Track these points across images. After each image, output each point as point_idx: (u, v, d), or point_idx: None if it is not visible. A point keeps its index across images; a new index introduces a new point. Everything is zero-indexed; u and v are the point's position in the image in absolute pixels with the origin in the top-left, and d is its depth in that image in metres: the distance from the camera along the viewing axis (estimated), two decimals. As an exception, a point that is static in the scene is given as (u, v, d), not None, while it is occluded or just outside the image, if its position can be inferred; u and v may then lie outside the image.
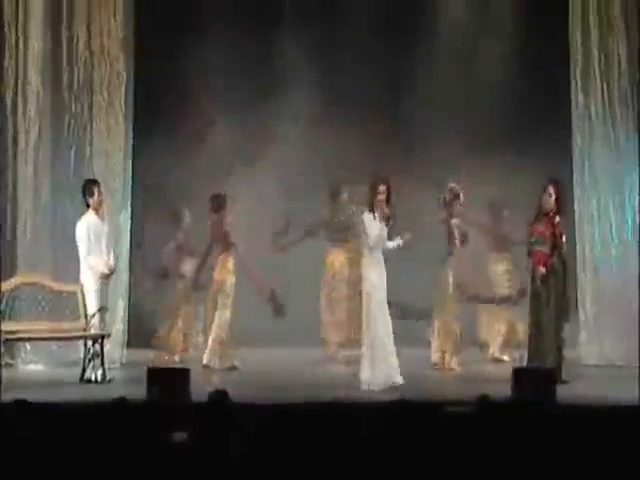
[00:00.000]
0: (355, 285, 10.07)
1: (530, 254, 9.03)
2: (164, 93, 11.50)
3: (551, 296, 8.82)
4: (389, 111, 11.88)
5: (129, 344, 10.47)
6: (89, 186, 9.50)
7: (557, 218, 8.92)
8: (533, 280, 8.97)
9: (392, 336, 8.61)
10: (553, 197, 8.94)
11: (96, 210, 9.44)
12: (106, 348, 9.30)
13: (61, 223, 10.17)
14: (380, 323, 8.55)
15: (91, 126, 10.35)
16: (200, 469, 4.63)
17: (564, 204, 9.11)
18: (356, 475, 4.62)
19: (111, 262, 9.49)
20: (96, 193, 9.43)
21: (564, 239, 8.98)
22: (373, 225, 8.64)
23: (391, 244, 8.77)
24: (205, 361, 9.89)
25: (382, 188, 8.67)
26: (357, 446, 4.79)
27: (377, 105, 11.85)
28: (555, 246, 8.88)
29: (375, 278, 8.60)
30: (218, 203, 10.08)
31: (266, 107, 11.60)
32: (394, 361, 8.58)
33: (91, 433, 4.86)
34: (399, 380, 8.51)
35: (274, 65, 11.74)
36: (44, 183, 10.25)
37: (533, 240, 8.96)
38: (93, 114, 10.35)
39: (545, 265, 8.83)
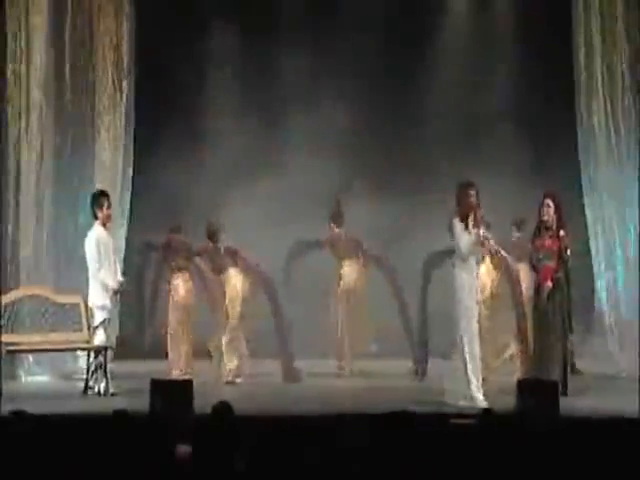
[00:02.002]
0: (363, 297, 10.31)
1: (536, 269, 9.01)
2: (166, 105, 11.55)
3: (557, 310, 8.81)
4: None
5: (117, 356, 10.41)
6: (99, 198, 9.26)
7: (561, 232, 8.91)
8: (538, 294, 8.95)
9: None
10: (552, 209, 8.91)
11: (104, 224, 9.21)
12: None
13: (62, 236, 10.13)
14: (471, 334, 8.25)
15: (93, 139, 10.36)
16: None
17: (565, 216, 9.08)
18: None
19: (120, 277, 9.38)
20: (105, 205, 9.20)
21: (569, 253, 8.98)
22: (464, 233, 8.28)
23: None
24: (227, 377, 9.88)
25: (472, 191, 8.33)
26: (360, 458, 4.77)
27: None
28: (561, 261, 8.87)
29: (466, 289, 8.26)
30: (213, 231, 10.05)
31: (270, 124, 11.70)
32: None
33: (92, 445, 4.84)
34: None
35: (277, 80, 11.84)
36: (46, 196, 10.22)
37: (541, 256, 8.93)
38: (95, 126, 10.35)
39: (552, 280, 8.83)
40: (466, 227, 8.30)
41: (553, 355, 8.73)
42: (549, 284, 8.84)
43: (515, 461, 4.81)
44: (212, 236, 10.06)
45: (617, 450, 4.91)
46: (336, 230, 10.67)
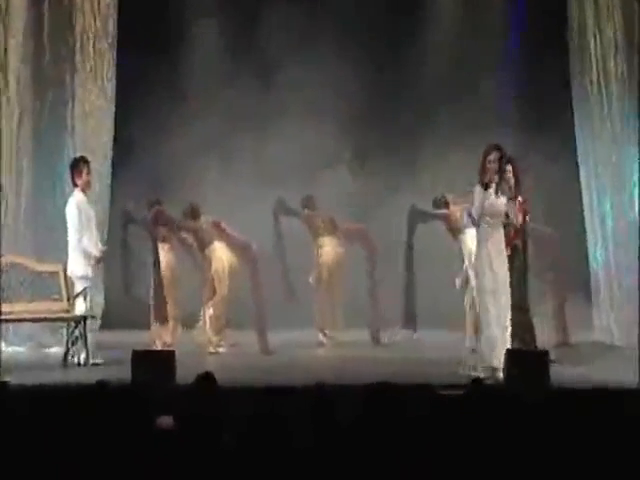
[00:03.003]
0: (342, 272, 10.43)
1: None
2: (149, 70, 11.46)
3: (514, 278, 8.61)
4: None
5: (104, 326, 10.31)
6: (77, 164, 9.17)
7: (520, 198, 8.73)
8: None
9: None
10: (511, 174, 8.67)
11: (84, 190, 9.12)
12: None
13: (42, 205, 10.03)
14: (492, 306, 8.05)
15: (73, 107, 10.17)
16: (186, 454, 4.49)
17: (522, 184, 8.82)
18: (345, 459, 4.47)
19: (102, 245, 9.24)
20: (84, 171, 9.10)
21: (528, 219, 8.79)
22: (479, 196, 8.06)
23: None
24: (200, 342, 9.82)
25: (491, 157, 8.08)
26: (346, 430, 4.66)
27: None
28: (519, 227, 8.68)
29: (484, 258, 8.09)
30: (193, 212, 9.99)
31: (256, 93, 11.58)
32: None
33: (71, 417, 4.73)
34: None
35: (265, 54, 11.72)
36: (25, 166, 10.08)
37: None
38: (75, 95, 10.16)
39: (509, 246, 8.64)
40: (487, 189, 8.09)
41: (521, 322, 8.51)
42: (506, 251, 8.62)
43: (504, 432, 4.68)
44: (193, 216, 10.02)
45: (606, 419, 4.78)
46: (310, 212, 10.72)
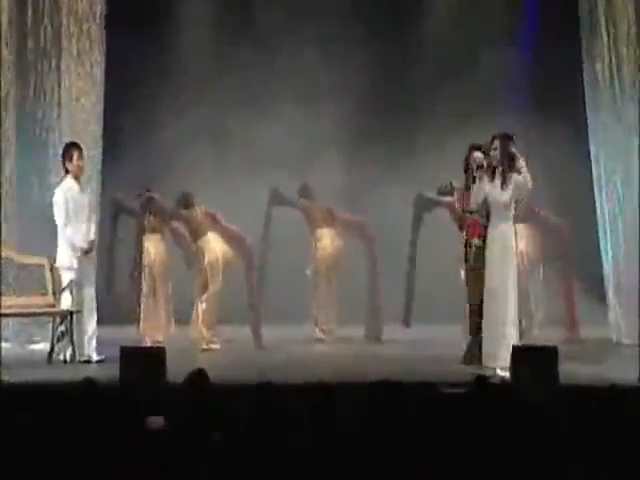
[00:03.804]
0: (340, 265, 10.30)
1: (463, 223, 8.55)
2: (139, 54, 11.34)
3: (469, 276, 8.39)
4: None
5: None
6: (68, 149, 8.96)
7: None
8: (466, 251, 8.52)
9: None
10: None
11: (76, 177, 8.89)
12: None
13: (26, 196, 9.83)
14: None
15: (59, 89, 9.96)
16: (177, 456, 4.34)
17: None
18: (344, 460, 4.35)
19: (92, 236, 8.97)
20: (75, 156, 8.88)
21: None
22: (479, 185, 7.92)
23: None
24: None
25: (493, 145, 7.89)
26: (343, 428, 4.56)
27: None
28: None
29: (486, 251, 7.92)
30: (187, 200, 9.75)
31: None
32: None
33: (57, 417, 4.56)
34: None
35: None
36: (8, 151, 9.87)
37: (469, 209, 8.45)
38: (61, 78, 9.96)
39: (480, 236, 8.38)
40: (492, 180, 7.91)
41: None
42: (477, 241, 8.40)
43: (509, 433, 4.55)
44: (186, 205, 9.78)
45: (613, 418, 4.70)
46: (307, 203, 10.58)
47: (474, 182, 8.24)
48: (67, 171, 8.91)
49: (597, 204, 10.18)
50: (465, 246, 8.53)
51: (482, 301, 8.00)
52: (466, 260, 8.53)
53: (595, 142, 10.15)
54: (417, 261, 9.65)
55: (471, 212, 8.28)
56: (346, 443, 4.42)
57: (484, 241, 8.15)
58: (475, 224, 8.34)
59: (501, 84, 11.68)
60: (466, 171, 8.55)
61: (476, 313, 8.18)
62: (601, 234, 10.18)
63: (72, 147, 8.99)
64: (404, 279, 9.75)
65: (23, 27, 10.00)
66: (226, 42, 11.78)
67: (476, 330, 8.14)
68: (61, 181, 9.00)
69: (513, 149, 7.93)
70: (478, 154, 8.38)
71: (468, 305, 8.49)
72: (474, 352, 8.10)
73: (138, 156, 11.28)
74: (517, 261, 8.25)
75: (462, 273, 8.84)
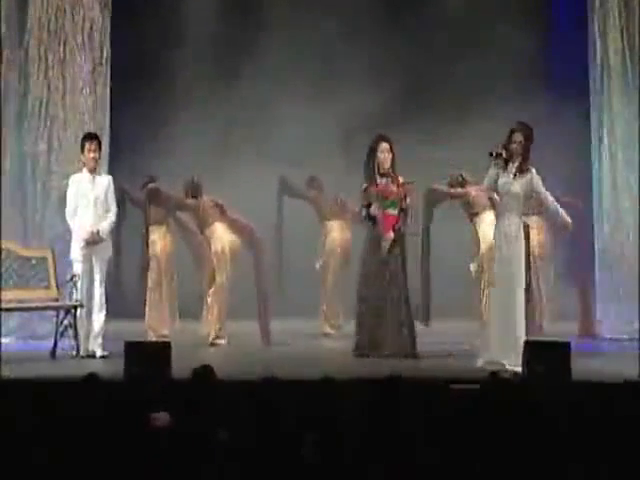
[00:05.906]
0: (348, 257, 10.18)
1: (374, 218, 8.45)
2: (144, 50, 11.33)
3: (398, 265, 8.31)
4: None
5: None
6: (81, 142, 8.93)
7: (400, 178, 8.46)
8: (377, 246, 8.42)
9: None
10: (391, 156, 8.43)
11: (91, 169, 8.80)
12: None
13: (24, 188, 9.79)
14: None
15: (64, 85, 9.90)
16: (182, 453, 4.30)
17: (398, 164, 8.57)
18: (350, 454, 4.33)
19: (102, 227, 8.74)
20: (87, 148, 8.80)
21: (408, 201, 8.50)
22: (493, 170, 7.75)
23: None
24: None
25: (515, 136, 7.73)
26: (352, 425, 4.53)
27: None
28: (401, 210, 8.40)
29: (495, 242, 7.82)
30: (195, 190, 9.63)
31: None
32: None
33: (60, 413, 4.51)
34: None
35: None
36: (7, 148, 9.82)
37: (388, 202, 8.39)
38: (64, 71, 9.90)
39: (394, 230, 8.33)
40: (505, 171, 7.77)
41: (401, 313, 8.29)
42: (391, 235, 8.34)
43: (524, 428, 4.52)
44: (194, 194, 9.64)
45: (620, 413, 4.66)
46: (316, 194, 10.53)
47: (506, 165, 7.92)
48: (84, 163, 8.91)
49: (604, 195, 10.04)
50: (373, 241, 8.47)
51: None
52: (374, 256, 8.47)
53: (602, 129, 10.09)
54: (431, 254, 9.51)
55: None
56: (355, 439, 4.39)
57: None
58: (392, 218, 8.33)
59: (515, 70, 11.54)
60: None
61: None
62: (606, 226, 10.06)
63: (84, 139, 8.97)
64: (417, 273, 9.60)
65: (27, 18, 9.94)
66: (234, 31, 11.75)
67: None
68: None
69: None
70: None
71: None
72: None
73: (145, 147, 11.25)
74: (530, 253, 8.17)
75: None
